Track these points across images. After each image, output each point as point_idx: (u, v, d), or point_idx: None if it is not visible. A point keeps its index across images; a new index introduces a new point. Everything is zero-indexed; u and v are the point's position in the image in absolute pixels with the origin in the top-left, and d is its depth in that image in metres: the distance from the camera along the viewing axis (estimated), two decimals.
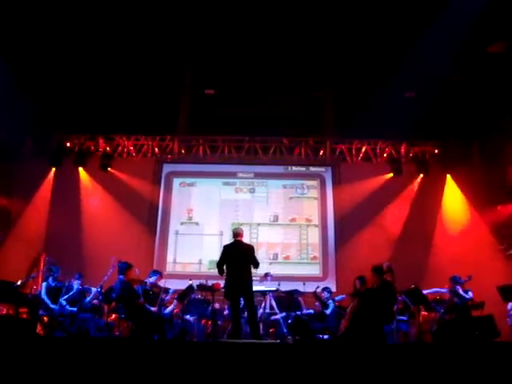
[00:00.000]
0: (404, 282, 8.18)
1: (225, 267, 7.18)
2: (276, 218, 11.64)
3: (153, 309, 7.65)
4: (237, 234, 7.41)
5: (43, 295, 8.17)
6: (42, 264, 8.26)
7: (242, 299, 7.22)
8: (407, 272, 9.42)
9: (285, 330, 8.39)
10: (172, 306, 8.38)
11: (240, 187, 11.87)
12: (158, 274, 8.52)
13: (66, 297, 8.09)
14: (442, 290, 8.34)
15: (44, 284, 8.35)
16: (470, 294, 8.00)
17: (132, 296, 7.34)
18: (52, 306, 8.00)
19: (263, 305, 8.63)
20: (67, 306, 8.02)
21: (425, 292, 8.13)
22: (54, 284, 8.35)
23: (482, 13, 8.75)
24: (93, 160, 11.75)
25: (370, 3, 9.30)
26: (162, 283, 8.35)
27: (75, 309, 7.98)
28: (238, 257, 7.16)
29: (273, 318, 8.74)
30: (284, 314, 8.74)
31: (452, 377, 4.56)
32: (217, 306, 8.67)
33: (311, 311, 9.04)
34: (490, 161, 10.93)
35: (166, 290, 8.44)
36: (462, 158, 11.41)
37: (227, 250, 7.30)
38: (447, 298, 8.35)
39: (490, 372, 4.56)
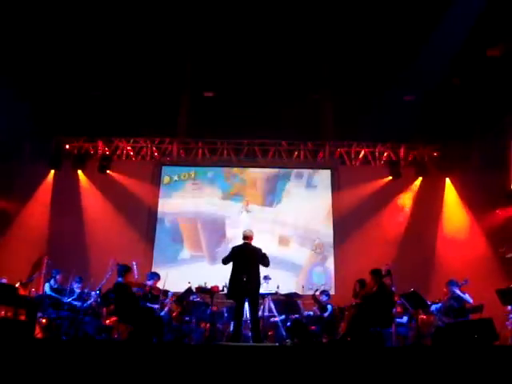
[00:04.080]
0: (403, 286, 8.18)
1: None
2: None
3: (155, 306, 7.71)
4: (246, 236, 7.41)
5: (49, 292, 8.26)
6: (43, 266, 8.26)
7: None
8: (406, 276, 9.43)
9: (283, 333, 8.38)
10: (167, 307, 8.36)
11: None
12: (157, 276, 8.50)
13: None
14: (442, 303, 8.27)
15: (47, 284, 8.39)
16: (469, 297, 7.99)
17: (130, 298, 7.33)
18: (64, 299, 8.11)
19: (262, 307, 8.61)
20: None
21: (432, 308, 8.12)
22: (56, 286, 8.38)
23: (482, 16, 8.78)
24: (92, 162, 11.75)
25: (370, 6, 9.31)
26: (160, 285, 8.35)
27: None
28: (245, 259, 7.19)
29: (272, 320, 8.72)
30: (283, 316, 8.73)
31: (451, 380, 4.55)
32: (215, 308, 8.66)
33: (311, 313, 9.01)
34: (488, 164, 10.94)
35: (165, 293, 8.43)
36: (461, 161, 11.41)
37: (235, 252, 7.32)
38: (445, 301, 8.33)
39: (489, 375, 4.56)
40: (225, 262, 7.30)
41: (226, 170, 12.05)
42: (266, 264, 7.27)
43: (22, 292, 8.19)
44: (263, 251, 7.30)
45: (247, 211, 11.60)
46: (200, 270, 10.87)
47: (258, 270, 7.23)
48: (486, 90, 10.19)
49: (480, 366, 4.67)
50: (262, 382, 4.50)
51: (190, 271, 10.88)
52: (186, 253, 11.48)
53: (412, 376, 4.61)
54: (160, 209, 11.69)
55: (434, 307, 8.18)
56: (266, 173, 12.02)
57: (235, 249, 7.37)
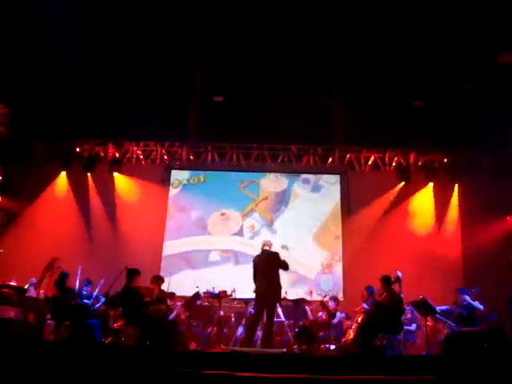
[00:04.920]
0: (412, 292, 8.12)
1: None
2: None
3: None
4: (265, 245, 7.67)
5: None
6: (54, 269, 8.30)
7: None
8: (415, 282, 9.36)
9: (291, 339, 8.35)
10: (175, 312, 8.36)
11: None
12: (161, 279, 8.49)
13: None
14: (452, 308, 8.21)
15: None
16: (479, 304, 7.93)
17: (137, 302, 7.34)
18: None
19: None
20: None
21: (438, 309, 8.04)
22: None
23: (494, 21, 8.74)
24: (102, 165, 11.81)
25: (382, 13, 9.29)
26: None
27: None
28: (263, 266, 7.33)
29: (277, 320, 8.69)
30: (291, 322, 8.70)
31: None
32: (222, 313, 8.66)
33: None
34: (498, 170, 10.85)
35: (171, 295, 8.44)
36: (471, 167, 11.33)
37: (254, 262, 7.57)
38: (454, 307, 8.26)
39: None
40: (254, 277, 7.46)
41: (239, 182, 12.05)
42: (285, 267, 7.36)
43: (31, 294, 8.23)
44: (281, 255, 7.40)
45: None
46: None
47: (278, 275, 7.31)
48: (497, 95, 10.12)
49: (490, 376, 4.63)
50: None
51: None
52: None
53: None
54: (169, 211, 11.72)
55: (438, 310, 8.10)
56: (277, 187, 12.01)
57: (255, 259, 7.54)
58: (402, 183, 11.61)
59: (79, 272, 8.72)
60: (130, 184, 11.62)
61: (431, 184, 11.63)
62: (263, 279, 7.22)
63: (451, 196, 11.58)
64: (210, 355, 5.66)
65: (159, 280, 8.32)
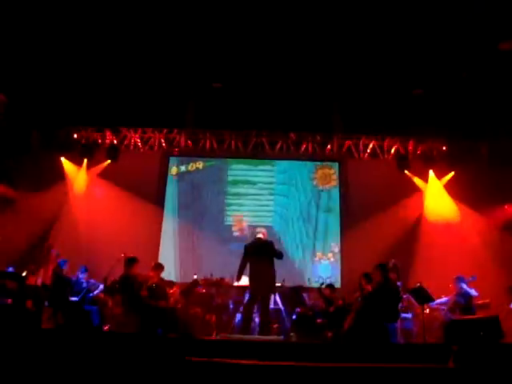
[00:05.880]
0: (409, 280, 8.17)
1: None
2: None
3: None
4: (257, 232, 7.53)
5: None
6: (50, 256, 8.29)
7: None
8: (411, 270, 9.42)
9: (288, 326, 8.39)
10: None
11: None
12: (160, 267, 8.50)
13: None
14: (448, 299, 8.26)
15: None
16: (474, 291, 8.01)
17: (136, 290, 7.35)
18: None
19: None
20: None
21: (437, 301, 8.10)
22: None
23: (494, 8, 8.65)
24: (99, 152, 11.76)
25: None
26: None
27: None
28: (256, 255, 7.23)
29: (275, 307, 8.71)
30: (288, 309, 8.74)
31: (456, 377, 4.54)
32: (220, 300, 8.70)
33: None
34: (498, 159, 10.85)
35: (170, 283, 8.46)
36: (469, 156, 11.32)
37: (246, 250, 7.37)
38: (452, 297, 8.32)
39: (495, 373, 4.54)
40: (242, 264, 7.41)
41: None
42: (279, 256, 7.30)
43: (29, 281, 8.23)
44: (275, 245, 7.36)
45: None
46: None
47: (273, 265, 7.26)
48: (498, 84, 10.07)
49: (486, 363, 4.66)
50: (268, 377, 4.51)
51: None
52: None
53: (417, 373, 4.61)
54: (167, 198, 11.70)
55: (436, 301, 8.15)
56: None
57: (247, 246, 7.41)
58: (400, 171, 11.61)
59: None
60: (127, 171, 11.54)
61: (430, 172, 11.61)
62: (256, 268, 7.16)
63: (449, 184, 11.56)
64: (209, 343, 5.68)
65: (159, 267, 8.34)
